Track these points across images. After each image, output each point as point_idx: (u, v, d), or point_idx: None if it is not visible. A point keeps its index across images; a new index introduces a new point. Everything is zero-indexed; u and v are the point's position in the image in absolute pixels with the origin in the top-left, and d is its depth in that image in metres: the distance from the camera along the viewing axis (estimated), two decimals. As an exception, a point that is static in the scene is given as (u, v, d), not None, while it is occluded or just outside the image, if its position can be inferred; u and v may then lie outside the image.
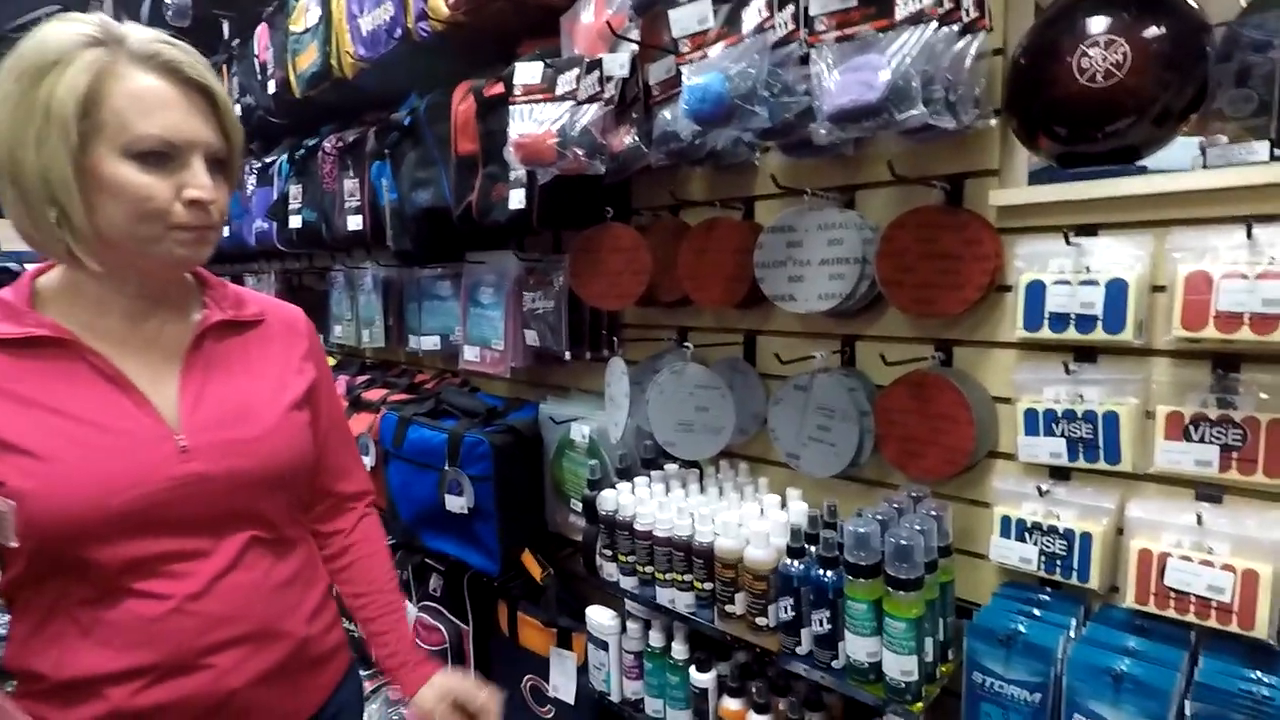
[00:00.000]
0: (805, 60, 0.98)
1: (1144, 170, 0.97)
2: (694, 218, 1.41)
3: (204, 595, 0.79)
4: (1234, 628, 0.86)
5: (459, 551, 1.66)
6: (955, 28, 0.88)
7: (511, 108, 1.28)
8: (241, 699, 0.81)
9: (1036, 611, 1.00)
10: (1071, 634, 0.96)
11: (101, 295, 0.79)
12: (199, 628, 0.78)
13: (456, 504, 1.59)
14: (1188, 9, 0.90)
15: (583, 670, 1.52)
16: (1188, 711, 0.83)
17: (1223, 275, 0.84)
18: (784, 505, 1.22)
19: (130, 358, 0.80)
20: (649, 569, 1.26)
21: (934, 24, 0.85)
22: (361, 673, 1.11)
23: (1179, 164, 1.10)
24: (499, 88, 1.41)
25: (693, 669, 1.27)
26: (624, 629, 1.39)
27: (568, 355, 1.55)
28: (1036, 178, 1.08)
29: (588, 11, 1.29)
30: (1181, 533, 0.90)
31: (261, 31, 2.16)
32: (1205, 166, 0.88)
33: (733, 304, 1.29)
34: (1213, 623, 0.87)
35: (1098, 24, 0.91)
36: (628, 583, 1.31)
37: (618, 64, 1.22)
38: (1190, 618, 0.89)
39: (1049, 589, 1.05)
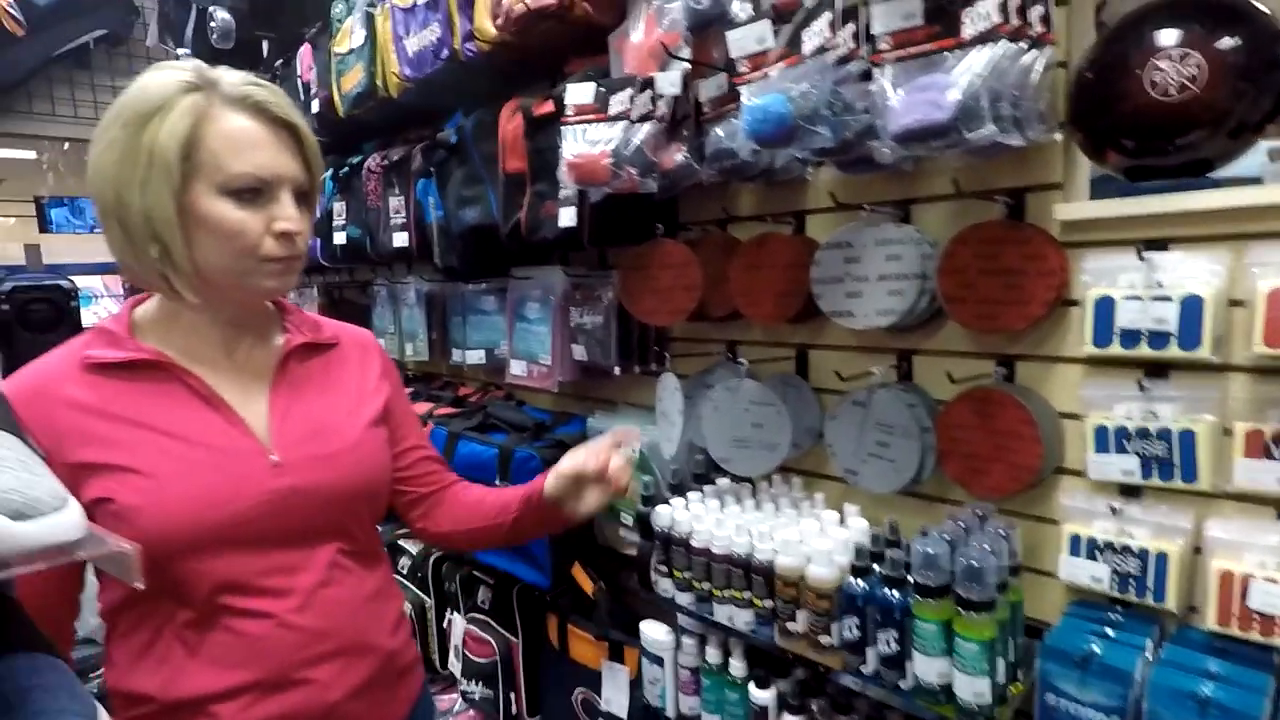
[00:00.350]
0: (865, 77, 0.98)
1: (1215, 182, 0.95)
2: (742, 232, 1.41)
3: (303, 610, 0.82)
4: (1323, 651, 0.84)
5: (509, 565, 1.67)
6: (1022, 43, 0.88)
7: (564, 128, 1.29)
8: (340, 712, 0.85)
9: (1110, 632, 0.98)
10: (1148, 655, 0.94)
11: (195, 323, 0.84)
12: (300, 642, 0.82)
13: (508, 519, 1.60)
14: (1263, 17, 0.88)
15: (635, 684, 1.52)
16: (1278, 738, 0.81)
17: (1307, 291, 0.82)
18: (842, 521, 1.22)
19: (222, 379, 0.85)
20: (706, 585, 1.26)
21: (1003, 41, 0.84)
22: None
23: (1247, 171, 1.07)
24: (548, 106, 1.42)
25: (752, 686, 1.27)
26: (679, 644, 1.39)
27: (617, 370, 1.56)
28: (1097, 190, 1.07)
29: (637, 31, 1.29)
30: (1265, 553, 0.88)
31: (304, 52, 2.20)
32: (1285, 179, 0.86)
33: (786, 319, 1.28)
34: (1300, 646, 0.85)
35: (1168, 36, 0.89)
36: (684, 599, 1.32)
37: (669, 82, 1.22)
38: (1276, 641, 0.87)
39: (1119, 608, 1.03)
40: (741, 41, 1.02)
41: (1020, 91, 0.90)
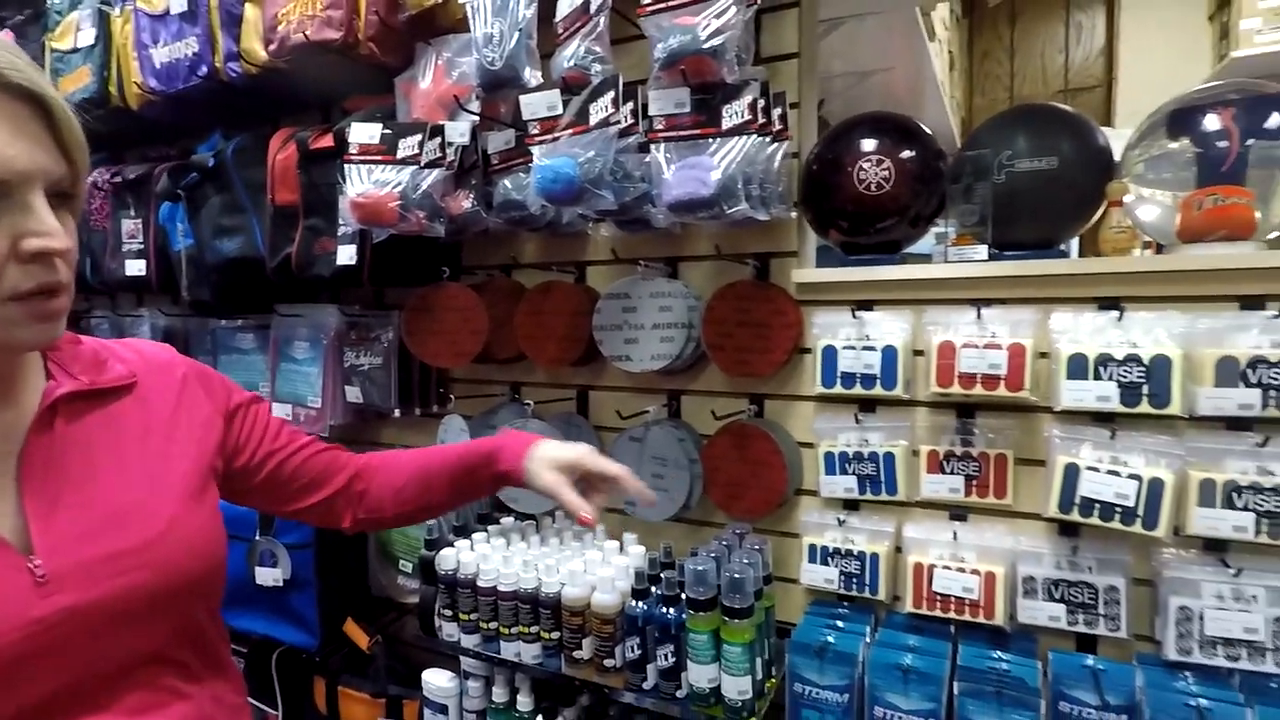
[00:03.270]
0: (643, 148, 1.11)
1: (904, 258, 1.22)
2: (526, 279, 1.48)
3: None
4: (981, 619, 1.09)
5: (269, 629, 1.53)
6: (767, 137, 1.07)
7: (347, 166, 1.26)
8: None
9: (840, 624, 1.18)
10: (867, 639, 1.15)
11: None
12: None
13: (270, 576, 1.47)
14: (928, 137, 1.17)
15: (415, 739, 1.47)
16: (955, 690, 1.04)
17: (962, 344, 1.08)
18: (622, 549, 1.31)
19: None
20: (493, 625, 1.28)
21: (754, 136, 1.02)
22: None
23: (923, 248, 1.39)
24: (327, 140, 1.38)
25: (540, 719, 1.30)
26: (464, 689, 1.38)
27: (397, 412, 1.52)
28: (820, 259, 1.31)
29: (426, 78, 1.32)
30: (943, 547, 1.14)
31: (5, 38, 1.86)
32: (947, 261, 1.14)
33: (569, 363, 1.37)
34: (967, 617, 1.10)
35: (869, 144, 1.14)
36: (469, 641, 1.31)
37: (459, 132, 1.26)
38: (951, 615, 1.11)
39: (846, 604, 1.25)
40: (533, 105, 1.10)
41: (765, 176, 1.09)
